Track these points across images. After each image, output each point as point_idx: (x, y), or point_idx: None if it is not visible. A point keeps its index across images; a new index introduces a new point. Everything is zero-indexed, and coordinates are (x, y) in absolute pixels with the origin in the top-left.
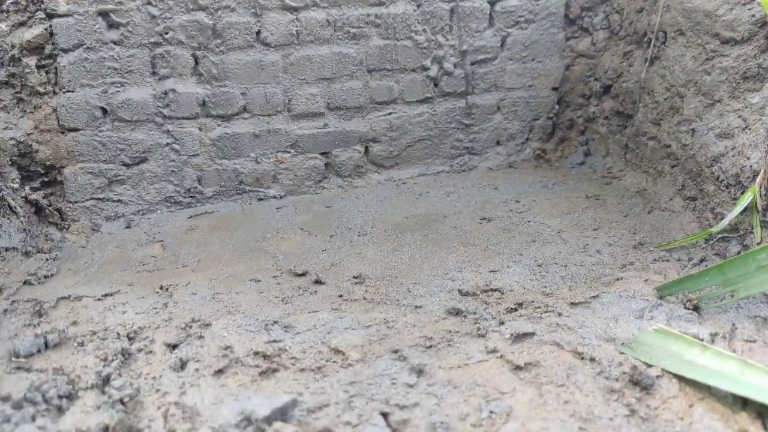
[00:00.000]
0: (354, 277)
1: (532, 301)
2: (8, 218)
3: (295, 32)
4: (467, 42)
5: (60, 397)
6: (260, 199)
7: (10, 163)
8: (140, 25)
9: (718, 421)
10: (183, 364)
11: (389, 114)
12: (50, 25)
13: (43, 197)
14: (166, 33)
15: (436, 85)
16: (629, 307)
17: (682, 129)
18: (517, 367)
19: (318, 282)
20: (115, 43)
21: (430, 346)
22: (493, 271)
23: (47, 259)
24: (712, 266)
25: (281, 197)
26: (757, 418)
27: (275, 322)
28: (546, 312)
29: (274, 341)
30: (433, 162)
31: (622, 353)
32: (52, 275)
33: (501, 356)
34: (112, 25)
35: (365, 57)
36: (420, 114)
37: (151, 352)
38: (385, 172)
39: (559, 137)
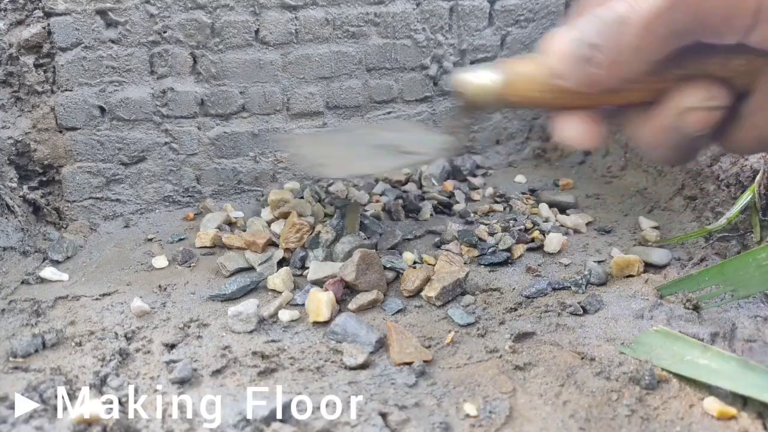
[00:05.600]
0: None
1: (532, 301)
2: (6, 218)
3: (294, 31)
4: (467, 41)
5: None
6: (257, 199)
7: (8, 162)
8: (138, 23)
9: (718, 421)
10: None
11: (388, 113)
12: (48, 24)
13: (41, 196)
14: (165, 32)
15: (435, 84)
16: (629, 307)
17: None
18: (517, 367)
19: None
20: (113, 41)
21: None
22: (492, 271)
23: (44, 259)
24: (712, 266)
25: None
26: (757, 418)
27: (274, 322)
28: (546, 312)
29: (273, 341)
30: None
31: (622, 353)
32: None
33: (501, 356)
34: (111, 24)
35: (364, 56)
36: (419, 113)
37: (149, 352)
38: None
39: None
